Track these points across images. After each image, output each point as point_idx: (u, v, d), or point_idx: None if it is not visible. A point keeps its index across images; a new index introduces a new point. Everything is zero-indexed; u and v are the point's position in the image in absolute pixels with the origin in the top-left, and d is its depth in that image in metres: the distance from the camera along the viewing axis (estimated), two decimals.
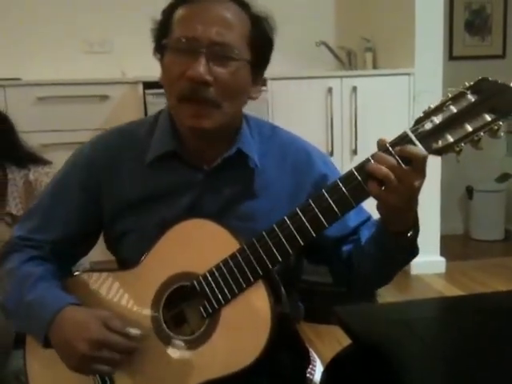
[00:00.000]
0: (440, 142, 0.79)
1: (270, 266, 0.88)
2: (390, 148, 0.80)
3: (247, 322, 0.89)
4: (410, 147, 0.79)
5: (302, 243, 0.87)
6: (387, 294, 2.64)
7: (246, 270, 0.88)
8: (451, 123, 0.79)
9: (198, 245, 0.93)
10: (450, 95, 0.79)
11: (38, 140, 2.32)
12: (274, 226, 0.88)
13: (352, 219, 1.01)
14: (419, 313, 1.12)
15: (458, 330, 1.01)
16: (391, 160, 0.80)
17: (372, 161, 0.81)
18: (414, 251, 0.94)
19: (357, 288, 1.05)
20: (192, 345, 0.91)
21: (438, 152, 0.80)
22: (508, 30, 3.92)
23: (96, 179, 1.02)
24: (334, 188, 0.84)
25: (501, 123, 0.77)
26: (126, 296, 0.97)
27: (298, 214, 0.86)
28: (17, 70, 3.02)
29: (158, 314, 0.94)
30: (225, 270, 0.89)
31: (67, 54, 3.19)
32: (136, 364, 0.93)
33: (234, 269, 0.89)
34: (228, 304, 0.89)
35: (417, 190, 0.82)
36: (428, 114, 0.80)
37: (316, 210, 0.85)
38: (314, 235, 0.86)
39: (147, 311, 0.94)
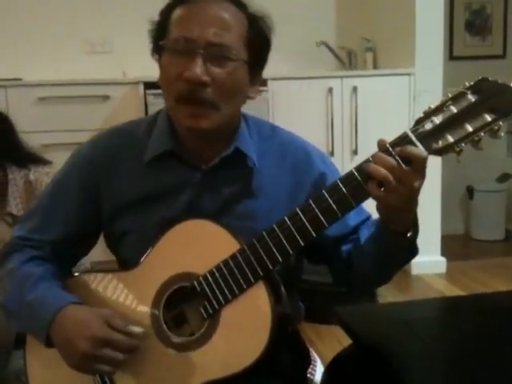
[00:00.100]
0: (440, 143, 0.79)
1: (271, 267, 0.88)
2: (390, 148, 0.80)
3: (248, 323, 0.89)
4: (410, 148, 0.79)
5: (303, 243, 0.87)
6: (388, 294, 2.64)
7: (247, 270, 0.88)
8: (451, 123, 0.79)
9: (198, 245, 0.93)
10: (450, 95, 0.79)
11: (39, 140, 2.32)
12: (274, 226, 0.88)
13: (352, 218, 1.01)
14: (420, 313, 1.12)
15: (458, 330, 1.01)
16: (390, 161, 0.80)
17: (371, 161, 0.81)
18: (413, 251, 0.94)
19: (357, 287, 1.05)
20: (192, 345, 0.91)
21: (439, 152, 0.80)
22: (508, 30, 3.92)
23: (95, 179, 1.02)
24: (334, 188, 0.84)
25: (501, 123, 0.77)
26: (126, 296, 0.97)
27: (298, 214, 0.86)
28: (18, 71, 3.02)
29: (159, 315, 0.94)
30: (225, 271, 0.89)
31: (68, 55, 3.19)
32: (136, 365, 0.93)
33: (235, 269, 0.89)
34: (228, 304, 0.89)
35: (416, 191, 0.82)
36: (428, 115, 0.80)
37: (316, 210, 0.85)
38: (315, 235, 0.86)
39: (147, 312, 0.94)
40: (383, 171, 0.80)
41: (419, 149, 0.79)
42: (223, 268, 0.89)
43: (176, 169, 1.00)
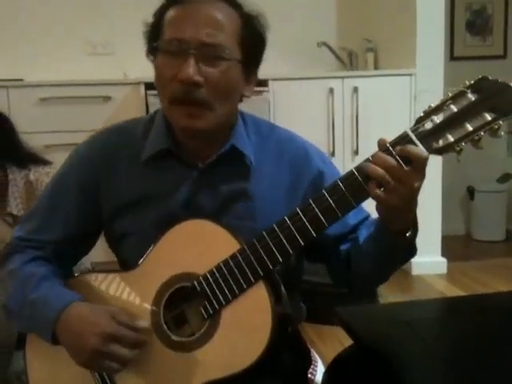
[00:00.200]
0: (440, 142, 0.79)
1: (271, 267, 0.88)
2: (391, 148, 0.80)
3: (248, 323, 0.89)
4: (410, 147, 0.79)
5: (303, 243, 0.87)
6: (388, 295, 2.63)
7: (247, 270, 0.88)
8: (451, 122, 0.79)
9: (198, 245, 0.93)
10: (450, 94, 0.79)
11: (41, 141, 2.33)
12: (275, 226, 0.88)
13: (351, 217, 1.00)
14: (420, 313, 1.12)
15: (459, 331, 1.01)
16: (390, 160, 0.80)
17: (371, 161, 0.81)
18: (412, 251, 0.94)
19: (357, 287, 1.05)
20: (193, 346, 0.91)
21: (439, 151, 0.80)
22: (509, 30, 3.92)
23: (94, 179, 1.02)
24: (334, 188, 0.84)
25: (501, 122, 0.77)
26: (126, 296, 0.97)
27: (298, 213, 0.86)
28: (19, 71, 3.03)
29: (159, 315, 0.94)
30: (225, 271, 0.89)
31: (69, 55, 3.20)
32: (137, 365, 0.93)
33: (235, 269, 0.89)
34: (229, 304, 0.89)
35: (416, 191, 0.81)
36: (428, 114, 0.80)
37: (316, 210, 0.85)
38: (315, 235, 0.86)
39: (148, 312, 0.94)
40: (381, 171, 0.80)
41: (419, 148, 0.79)
42: (223, 268, 0.90)
43: (173, 168, 1.00)
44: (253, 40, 0.96)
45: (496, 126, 0.77)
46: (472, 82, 0.79)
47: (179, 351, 0.92)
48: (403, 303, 1.58)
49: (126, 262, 1.02)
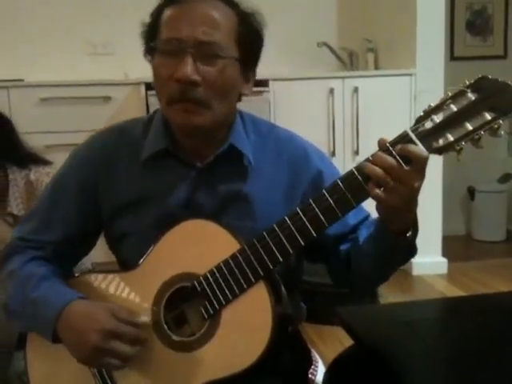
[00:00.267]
0: (440, 141, 0.79)
1: (271, 267, 0.88)
2: (391, 148, 0.80)
3: (248, 323, 0.89)
4: (410, 146, 0.79)
5: (303, 243, 0.87)
6: (389, 295, 2.63)
7: (247, 270, 0.88)
8: (451, 122, 0.78)
9: (198, 245, 0.93)
10: (449, 94, 0.79)
11: (41, 141, 2.33)
12: (275, 225, 0.88)
13: (351, 217, 1.00)
14: (421, 313, 1.11)
15: (459, 331, 1.01)
16: (389, 160, 0.79)
17: (370, 161, 0.81)
18: (412, 251, 0.94)
19: (357, 287, 1.05)
20: (193, 346, 0.91)
21: (439, 151, 0.80)
22: (509, 30, 3.92)
23: (94, 180, 1.02)
24: (335, 188, 0.84)
25: (501, 122, 0.76)
26: (126, 297, 0.97)
27: (298, 213, 0.86)
28: (20, 71, 3.03)
29: (159, 315, 0.94)
30: (225, 271, 0.89)
31: (70, 56, 3.19)
32: (137, 365, 0.93)
33: (235, 269, 0.89)
34: (229, 304, 0.89)
35: (416, 191, 0.81)
36: (428, 113, 0.80)
37: (316, 210, 0.85)
38: (315, 235, 0.86)
39: (148, 312, 0.94)
40: (378, 171, 0.79)
41: (419, 147, 0.79)
42: (224, 268, 0.89)
43: (172, 167, 1.00)
44: (250, 38, 0.96)
45: (496, 126, 0.77)
46: (472, 81, 0.79)
47: (179, 351, 0.92)
48: (404, 303, 1.58)
49: (126, 262, 1.02)
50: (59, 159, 1.20)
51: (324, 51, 3.37)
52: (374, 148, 0.82)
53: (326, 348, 2.18)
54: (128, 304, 0.96)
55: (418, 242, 0.93)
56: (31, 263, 1.02)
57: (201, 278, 0.91)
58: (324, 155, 1.08)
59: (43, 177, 1.68)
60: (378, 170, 0.79)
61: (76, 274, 1.07)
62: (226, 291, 0.89)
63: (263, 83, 2.78)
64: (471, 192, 3.93)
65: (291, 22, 3.34)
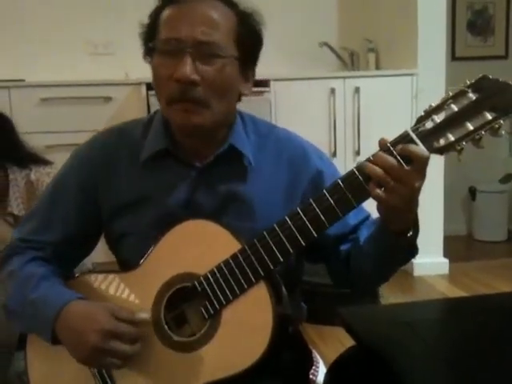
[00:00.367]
0: (441, 141, 0.79)
1: (272, 267, 0.88)
2: (391, 147, 0.80)
3: (249, 323, 0.88)
4: (411, 146, 0.79)
5: (304, 243, 0.87)
6: (390, 296, 2.63)
7: (248, 270, 0.88)
8: (452, 122, 0.78)
9: (199, 245, 0.93)
10: (450, 93, 0.79)
11: (42, 141, 2.33)
12: (275, 225, 0.87)
13: (352, 217, 1.00)
14: (422, 314, 1.11)
15: (460, 332, 1.01)
16: (390, 160, 0.79)
17: (371, 161, 0.81)
18: (413, 251, 0.94)
19: (358, 287, 1.05)
20: (193, 346, 0.91)
21: (440, 151, 0.80)
22: (511, 30, 3.92)
23: (94, 180, 1.02)
24: (335, 187, 0.84)
25: (502, 122, 0.76)
26: (126, 297, 0.97)
27: (298, 213, 0.86)
28: (20, 72, 3.03)
29: (160, 315, 0.94)
30: (226, 271, 0.89)
31: (71, 56, 3.19)
32: (137, 365, 0.93)
33: (236, 269, 0.89)
34: (229, 304, 0.89)
35: (417, 191, 0.81)
36: (429, 113, 0.80)
37: (317, 210, 0.85)
38: (315, 235, 0.86)
39: (148, 312, 0.94)
40: (380, 171, 0.79)
41: (420, 147, 0.79)
42: (224, 268, 0.89)
43: (172, 168, 1.00)
44: (249, 37, 0.96)
45: (497, 126, 0.76)
46: (473, 81, 0.79)
47: (180, 351, 0.92)
48: (404, 304, 1.58)
49: (126, 263, 1.02)
50: (60, 159, 1.20)
51: (325, 51, 3.37)
52: (375, 148, 0.82)
53: (326, 348, 2.18)
54: (128, 304, 0.96)
55: (419, 242, 0.93)
56: (31, 264, 1.02)
57: (201, 278, 0.91)
58: (323, 154, 1.08)
59: (44, 177, 1.68)
60: (378, 169, 0.79)
61: (76, 275, 1.06)
62: (227, 291, 0.89)
63: (264, 83, 2.78)
64: (472, 192, 3.93)
65: (292, 22, 3.34)
